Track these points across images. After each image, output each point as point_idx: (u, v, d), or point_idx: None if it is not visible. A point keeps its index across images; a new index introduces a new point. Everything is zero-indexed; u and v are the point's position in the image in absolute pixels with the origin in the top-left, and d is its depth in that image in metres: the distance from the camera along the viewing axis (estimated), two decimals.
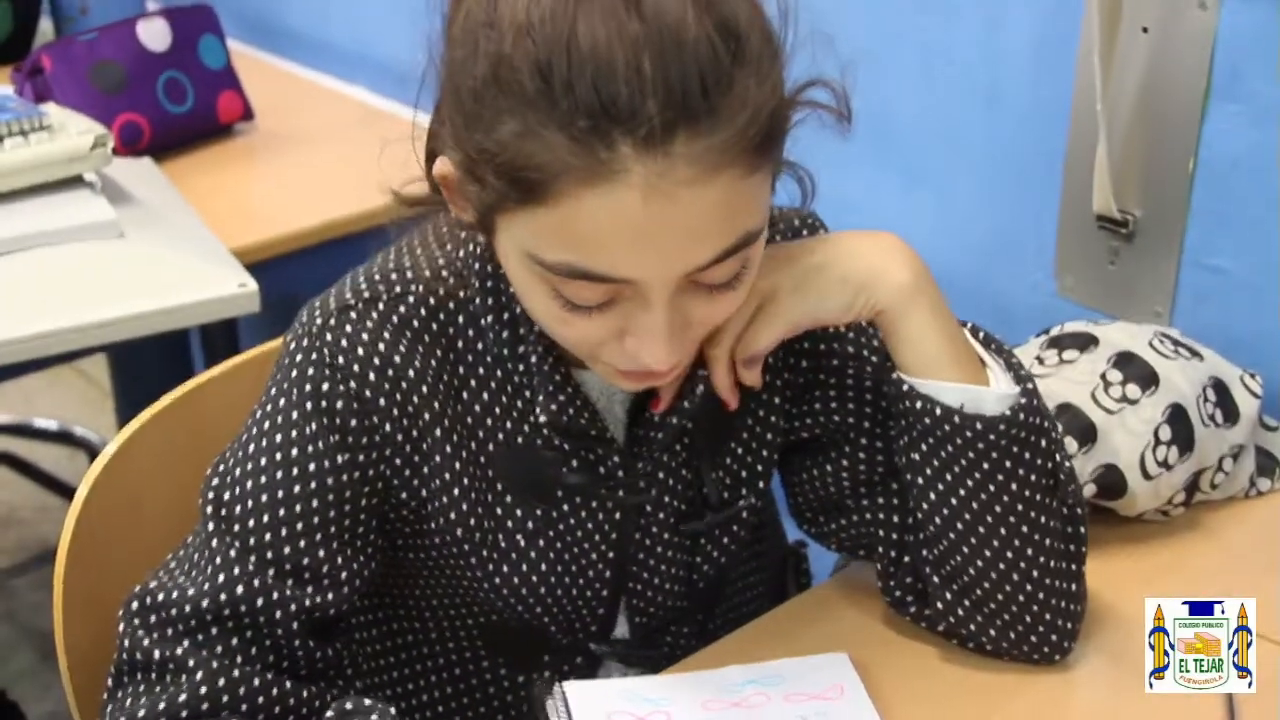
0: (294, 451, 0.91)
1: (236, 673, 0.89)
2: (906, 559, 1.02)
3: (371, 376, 0.91)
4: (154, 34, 1.89)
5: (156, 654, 0.89)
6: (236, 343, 1.71)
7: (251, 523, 0.91)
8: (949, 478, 0.94)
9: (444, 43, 0.84)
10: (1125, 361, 1.16)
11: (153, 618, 0.90)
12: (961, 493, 0.94)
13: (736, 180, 0.78)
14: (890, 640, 1.04)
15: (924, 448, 0.94)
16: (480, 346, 0.95)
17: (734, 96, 0.76)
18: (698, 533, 1.03)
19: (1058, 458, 0.96)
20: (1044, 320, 1.31)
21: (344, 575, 0.92)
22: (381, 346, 0.92)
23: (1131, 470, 1.13)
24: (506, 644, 1.04)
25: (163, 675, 0.89)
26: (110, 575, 1.04)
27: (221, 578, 0.90)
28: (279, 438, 0.92)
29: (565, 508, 0.98)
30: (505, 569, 0.98)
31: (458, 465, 0.94)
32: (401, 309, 0.93)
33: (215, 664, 0.89)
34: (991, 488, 0.94)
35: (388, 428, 0.92)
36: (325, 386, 0.91)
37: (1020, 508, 0.94)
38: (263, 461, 0.92)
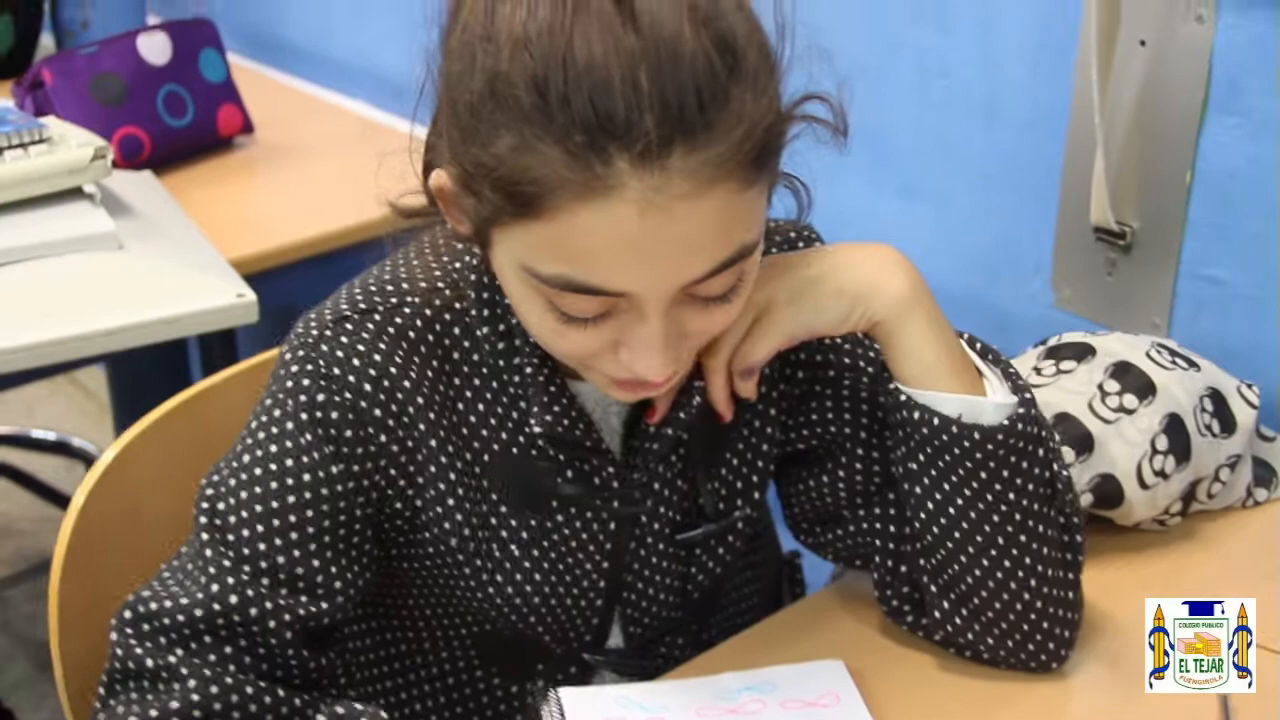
0: (289, 462, 0.91)
1: (229, 680, 0.89)
2: (903, 568, 1.02)
3: (367, 387, 0.91)
4: (154, 48, 1.90)
5: (149, 663, 0.89)
6: (235, 355, 1.71)
7: (246, 532, 0.91)
8: (947, 487, 0.94)
9: (440, 56, 0.84)
10: (1123, 371, 1.16)
11: (145, 626, 0.90)
12: (959, 502, 0.94)
13: (732, 194, 0.78)
14: (886, 648, 1.04)
15: (922, 457, 0.95)
16: (476, 357, 0.95)
17: (730, 111, 0.77)
18: (693, 543, 1.03)
19: (1055, 467, 0.96)
20: (1042, 332, 1.31)
21: (338, 585, 0.92)
22: (377, 358, 0.92)
23: (1128, 480, 1.13)
24: (500, 654, 1.04)
25: (155, 684, 0.89)
26: (107, 584, 1.03)
27: (215, 587, 0.90)
28: (274, 448, 0.91)
29: (560, 518, 0.98)
30: (499, 579, 0.97)
31: (453, 475, 0.94)
32: (397, 320, 0.93)
33: (208, 672, 0.89)
34: (989, 497, 0.94)
35: (383, 438, 0.92)
36: (321, 397, 0.91)
37: (1018, 517, 0.94)
38: (257, 472, 0.91)
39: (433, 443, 0.93)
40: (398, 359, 0.92)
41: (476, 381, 0.95)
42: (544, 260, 0.80)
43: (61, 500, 2.56)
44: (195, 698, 0.88)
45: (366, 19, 2.25)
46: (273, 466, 0.91)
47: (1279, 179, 1.23)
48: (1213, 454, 1.17)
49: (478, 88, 0.78)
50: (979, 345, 0.98)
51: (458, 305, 0.94)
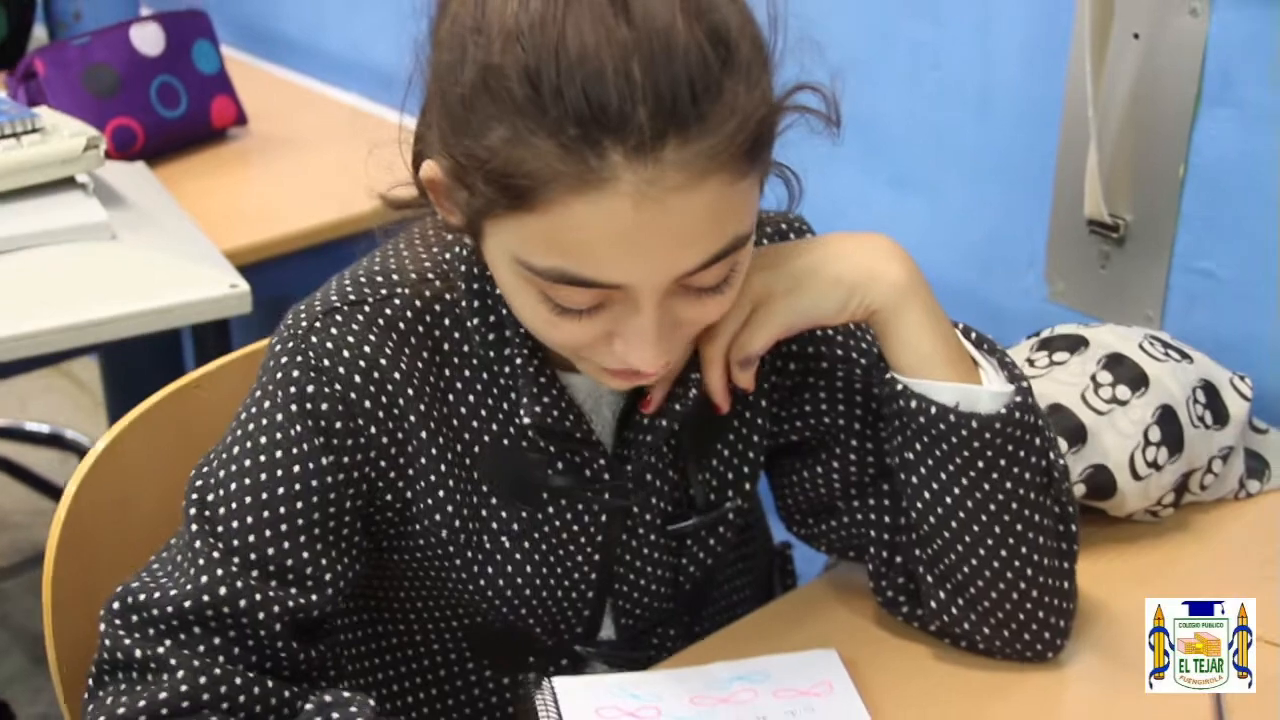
0: (278, 454, 0.91)
1: (218, 671, 0.89)
2: (898, 559, 1.02)
3: (357, 379, 0.91)
4: (147, 39, 1.90)
5: (138, 653, 0.89)
6: (229, 346, 1.70)
7: (235, 524, 0.90)
8: (943, 476, 0.94)
9: (430, 46, 0.84)
10: (1115, 363, 1.17)
11: (134, 617, 0.90)
12: (956, 491, 0.94)
13: (725, 186, 0.78)
14: (879, 638, 1.04)
15: (918, 447, 0.95)
16: (466, 348, 0.95)
17: (723, 104, 0.77)
18: (684, 534, 1.03)
19: (1051, 456, 0.97)
20: (1035, 325, 1.31)
21: (328, 577, 0.92)
22: (367, 349, 0.91)
23: (1121, 471, 1.13)
24: (491, 646, 1.04)
25: (144, 674, 0.89)
26: (100, 574, 1.03)
27: (204, 579, 0.90)
28: (264, 440, 0.91)
29: (550, 510, 0.97)
30: (490, 570, 0.97)
31: (443, 467, 0.94)
32: (387, 311, 0.93)
33: (197, 663, 0.88)
34: (986, 486, 0.94)
35: (373, 430, 0.92)
36: (311, 389, 0.91)
37: (1014, 506, 0.95)
38: (247, 463, 0.91)
39: (423, 434, 0.93)
40: (388, 350, 0.92)
41: (467, 373, 0.95)
42: (537, 253, 0.80)
43: (55, 493, 2.56)
44: (184, 688, 0.88)
45: (359, 11, 2.25)
46: (262, 458, 0.91)
47: (1272, 172, 1.23)
48: (1205, 445, 1.17)
49: (469, 79, 0.78)
50: (974, 335, 0.98)
51: (448, 296, 0.94)
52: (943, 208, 1.52)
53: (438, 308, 0.94)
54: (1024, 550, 0.96)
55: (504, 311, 0.93)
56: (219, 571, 0.90)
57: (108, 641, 0.90)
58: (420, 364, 0.93)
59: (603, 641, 1.05)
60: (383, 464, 0.93)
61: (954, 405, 0.93)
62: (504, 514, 0.96)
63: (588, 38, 0.75)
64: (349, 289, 0.94)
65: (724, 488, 1.03)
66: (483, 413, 0.95)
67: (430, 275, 0.94)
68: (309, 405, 0.91)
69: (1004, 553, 0.95)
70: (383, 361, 0.91)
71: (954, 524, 0.95)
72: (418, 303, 0.94)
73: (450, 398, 0.95)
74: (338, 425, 0.91)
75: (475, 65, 0.77)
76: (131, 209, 1.59)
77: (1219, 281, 1.30)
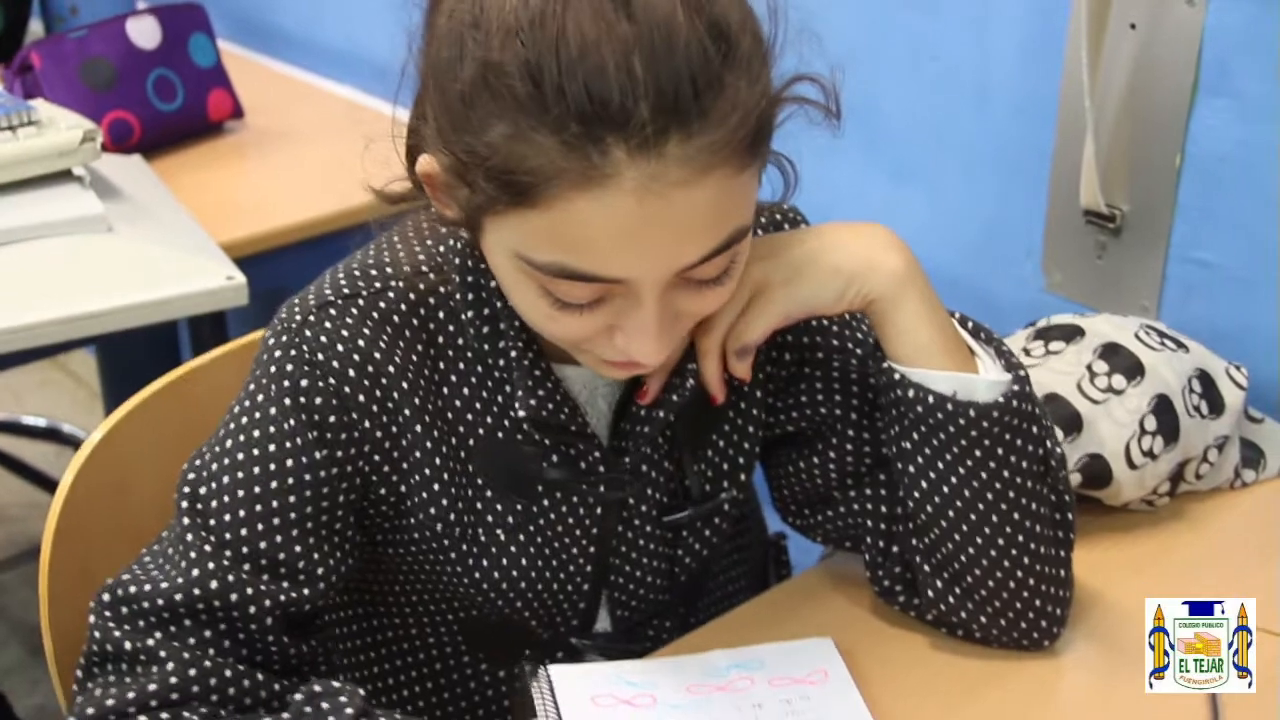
0: (271, 447, 0.90)
1: (208, 663, 0.88)
2: (895, 548, 1.02)
3: (351, 373, 0.91)
4: (144, 32, 1.90)
5: (127, 645, 0.88)
6: (225, 338, 1.70)
7: (227, 517, 0.90)
8: (941, 466, 0.94)
9: (424, 39, 0.84)
10: (1111, 352, 1.17)
11: (124, 609, 0.89)
12: (954, 480, 0.94)
13: (726, 179, 0.78)
14: (875, 627, 1.04)
15: (915, 436, 0.95)
16: (461, 341, 0.95)
17: (725, 99, 0.76)
18: (679, 525, 1.03)
19: (1049, 444, 0.97)
20: (1032, 315, 1.32)
21: (320, 571, 0.92)
22: (361, 343, 0.91)
23: (1116, 460, 1.13)
24: (487, 639, 1.04)
25: (134, 665, 0.89)
26: (96, 564, 1.03)
27: (196, 572, 0.89)
28: (257, 433, 0.91)
29: (546, 502, 0.97)
30: (485, 564, 0.97)
31: (438, 461, 0.94)
32: (381, 304, 0.93)
33: (187, 654, 0.88)
34: (984, 475, 0.94)
35: (367, 424, 0.91)
36: (304, 383, 0.90)
37: (1012, 495, 0.95)
38: (240, 457, 0.91)
39: (418, 428, 0.93)
40: (382, 343, 0.92)
41: (461, 365, 0.95)
42: (539, 248, 0.80)
43: (51, 486, 2.55)
44: (173, 680, 0.87)
45: (355, 4, 2.25)
46: (255, 452, 0.91)
47: (1269, 162, 1.23)
48: (1201, 435, 1.17)
49: (469, 76, 0.77)
50: (971, 324, 0.98)
51: (442, 289, 0.94)
52: (940, 198, 1.52)
53: (432, 301, 0.94)
54: (1021, 539, 0.96)
55: (499, 304, 0.93)
56: (210, 565, 0.89)
57: (97, 633, 0.90)
58: (415, 357, 0.93)
59: (598, 634, 1.05)
60: (377, 458, 0.93)
61: (951, 394, 0.93)
62: (499, 507, 0.96)
63: (588, 33, 0.74)
64: (343, 282, 0.94)
65: (719, 479, 1.03)
66: (477, 406, 0.95)
67: (425, 268, 0.94)
68: (303, 399, 0.90)
69: (1001, 541, 0.95)
70: (377, 355, 0.91)
71: (951, 513, 0.95)
72: (412, 296, 0.94)
73: (445, 391, 0.94)
74: (331, 419, 0.91)
75: (474, 62, 0.77)
76: (128, 202, 1.59)
77: (1215, 271, 1.30)
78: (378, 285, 0.93)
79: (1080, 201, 1.36)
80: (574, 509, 0.98)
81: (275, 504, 0.90)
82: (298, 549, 0.91)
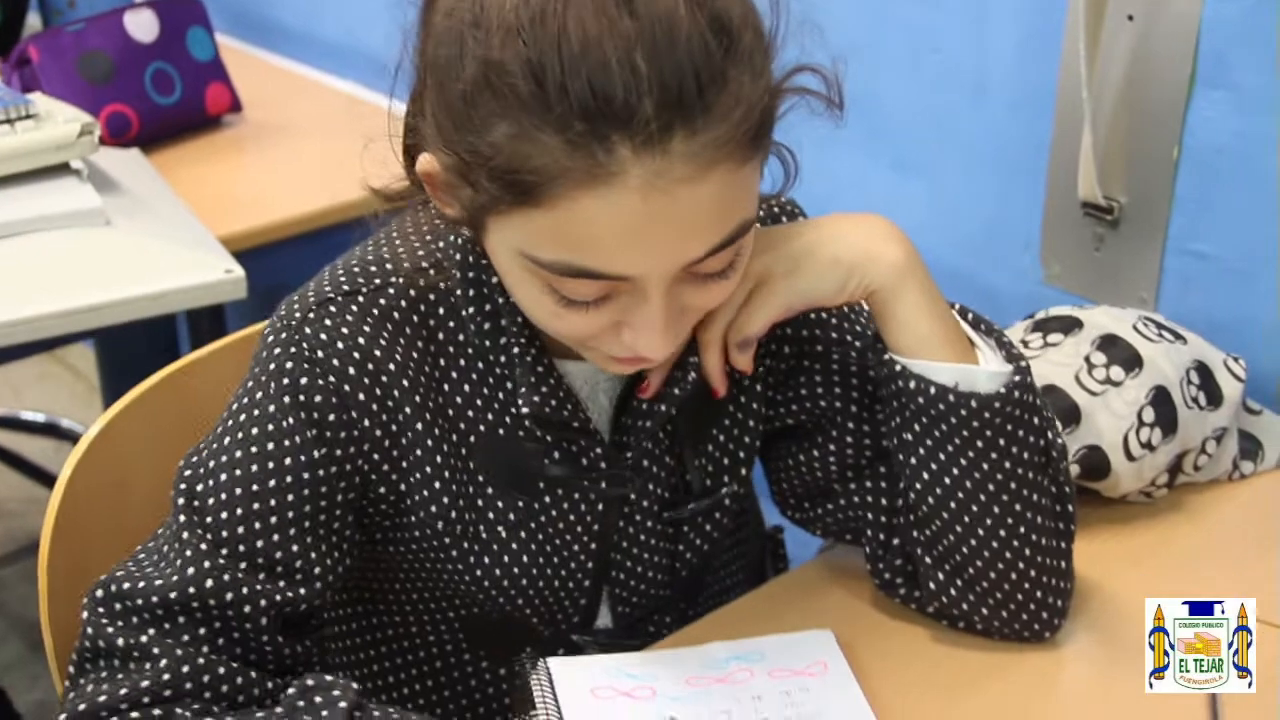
0: (270, 445, 0.90)
1: (202, 660, 0.87)
2: (896, 541, 1.02)
3: (351, 371, 0.90)
4: (141, 25, 1.90)
5: (120, 642, 0.88)
6: (224, 332, 1.69)
7: (224, 515, 0.89)
8: (942, 457, 0.94)
9: (421, 36, 0.83)
10: (1109, 344, 1.17)
11: (117, 606, 0.89)
12: (955, 472, 0.94)
13: (730, 173, 0.78)
14: (874, 618, 1.04)
15: (917, 428, 0.95)
16: (461, 338, 0.94)
17: (729, 94, 0.76)
18: (680, 520, 1.02)
19: (1050, 435, 0.97)
20: (1031, 307, 1.32)
21: (317, 570, 0.91)
22: (361, 340, 0.91)
23: (1115, 451, 1.13)
24: (487, 636, 1.04)
25: (126, 662, 0.88)
26: (95, 558, 1.03)
27: (191, 570, 0.89)
28: (255, 431, 0.90)
29: (547, 499, 0.97)
30: (487, 561, 0.97)
31: (439, 458, 0.93)
32: (382, 301, 0.92)
33: (180, 652, 0.87)
34: (985, 466, 0.94)
35: (366, 423, 0.91)
36: (304, 381, 0.90)
37: (1013, 486, 0.95)
38: (238, 454, 0.90)
39: (418, 426, 0.92)
40: (382, 341, 0.91)
41: (462, 362, 0.94)
42: (544, 247, 0.80)
43: (50, 481, 2.53)
44: (166, 677, 0.87)
45: None
46: (254, 450, 0.90)
47: (1266, 153, 1.23)
48: (1199, 426, 1.17)
49: (470, 75, 0.77)
50: (971, 315, 0.98)
51: (442, 285, 0.94)
52: (939, 190, 1.52)
53: (432, 297, 0.94)
54: (1023, 530, 0.96)
55: (500, 300, 0.92)
56: (206, 563, 0.89)
57: (90, 630, 0.89)
58: (415, 354, 0.93)
59: (599, 630, 1.04)
60: (376, 456, 0.92)
61: (953, 385, 0.93)
62: (500, 504, 0.96)
63: (590, 29, 0.74)
64: (342, 279, 0.93)
65: (720, 473, 1.03)
66: (478, 402, 0.95)
67: (424, 264, 0.93)
68: (302, 397, 0.90)
69: (1003, 532, 0.95)
70: (377, 352, 0.91)
71: (953, 504, 0.95)
72: (412, 292, 0.93)
73: (445, 387, 0.94)
74: (331, 418, 0.90)
75: (475, 61, 0.77)
76: (126, 195, 1.59)
77: (1213, 263, 1.30)
78: (377, 282, 0.93)
79: (1078, 194, 1.36)
80: (575, 505, 0.98)
81: (273, 502, 0.90)
82: (295, 548, 0.90)
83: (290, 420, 0.90)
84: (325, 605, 0.94)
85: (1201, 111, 1.26)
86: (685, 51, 0.75)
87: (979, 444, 0.93)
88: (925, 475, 0.96)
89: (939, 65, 1.47)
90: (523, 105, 0.75)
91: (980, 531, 0.96)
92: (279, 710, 0.87)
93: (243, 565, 0.89)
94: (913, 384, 0.93)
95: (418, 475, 0.93)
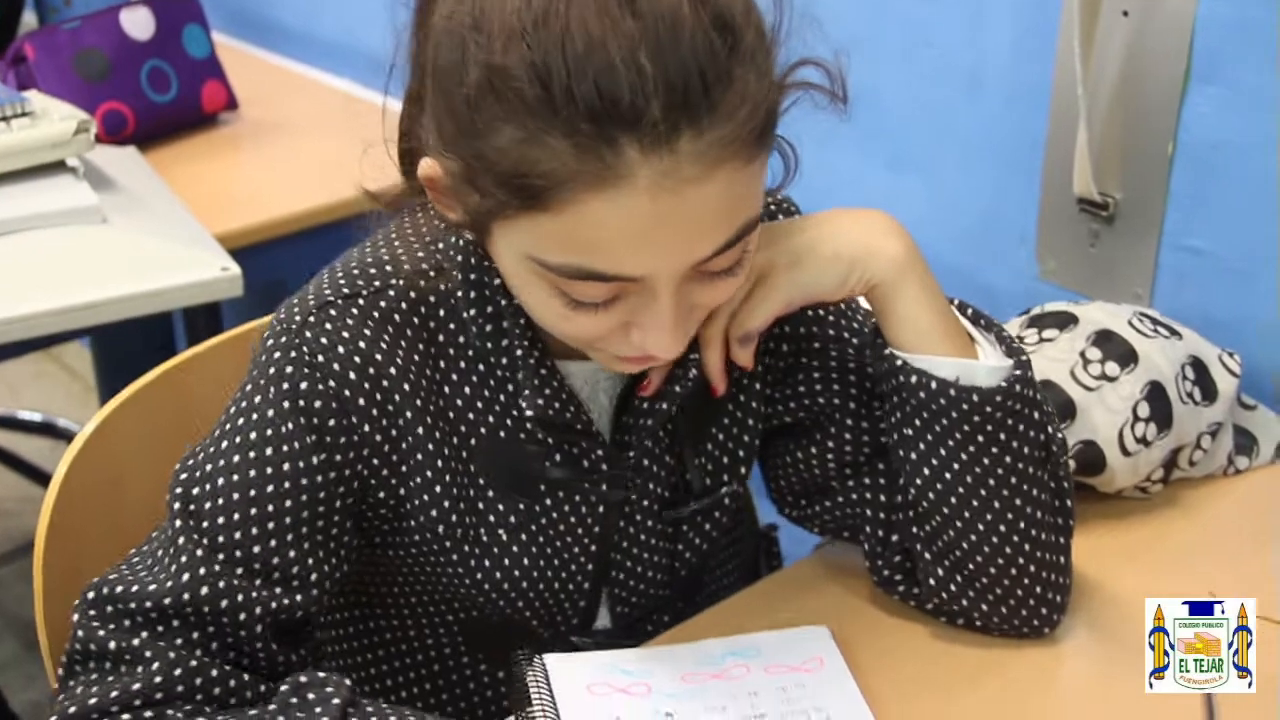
0: (269, 450, 0.89)
1: (194, 663, 0.87)
2: (894, 537, 1.02)
3: (352, 376, 0.89)
4: (137, 23, 1.90)
5: (112, 645, 0.87)
6: (220, 330, 1.70)
7: (221, 520, 0.89)
8: (943, 452, 0.94)
9: (417, 38, 0.83)
10: (1104, 339, 1.17)
11: (109, 609, 0.88)
12: (956, 466, 0.94)
13: (736, 171, 0.78)
14: (870, 615, 1.04)
15: (917, 423, 0.95)
16: (462, 340, 0.94)
17: (734, 92, 0.76)
18: (680, 520, 1.02)
19: (1050, 429, 0.97)
20: (1026, 303, 1.32)
21: (314, 577, 0.90)
22: (362, 344, 0.90)
23: (1110, 446, 1.13)
24: (486, 639, 1.03)
25: (118, 665, 0.87)
26: (90, 556, 1.02)
27: (186, 576, 0.88)
28: (254, 435, 0.89)
29: (548, 502, 0.97)
30: (487, 564, 0.96)
31: (439, 462, 0.93)
32: (382, 304, 0.92)
33: (173, 654, 0.86)
34: (986, 461, 0.94)
35: (367, 428, 0.90)
36: (304, 386, 0.89)
37: (1014, 480, 0.95)
38: (236, 459, 0.89)
39: (420, 430, 0.92)
40: (383, 344, 0.90)
41: (463, 364, 0.94)
42: (552, 250, 0.79)
43: (46, 480, 2.54)
44: (158, 679, 0.86)
45: None
46: (252, 455, 0.89)
47: (1261, 149, 1.23)
48: (1194, 422, 1.17)
49: (473, 80, 0.76)
50: (970, 311, 0.99)
51: (443, 287, 0.93)
52: (934, 186, 1.52)
53: (432, 299, 0.93)
54: (1023, 525, 0.96)
55: (502, 302, 0.92)
56: (201, 570, 0.88)
57: (81, 632, 0.88)
58: (416, 356, 0.92)
59: (598, 631, 1.04)
60: (375, 462, 0.91)
61: (954, 380, 0.93)
62: (501, 506, 0.96)
63: (593, 30, 0.73)
64: (342, 282, 0.92)
65: (720, 472, 1.03)
66: (479, 405, 0.94)
67: (424, 266, 0.93)
68: (302, 402, 0.89)
69: (1003, 527, 0.95)
70: (378, 356, 0.90)
71: (953, 499, 0.95)
72: (412, 294, 0.92)
73: (446, 390, 0.93)
74: (331, 423, 0.89)
75: (478, 66, 0.76)
76: (122, 192, 1.59)
77: (1208, 259, 1.30)
78: (377, 284, 0.92)
79: (1073, 189, 1.36)
80: (576, 508, 0.98)
81: (271, 508, 0.89)
82: (292, 554, 0.89)
83: (290, 425, 0.89)
84: (321, 612, 0.93)
85: (1196, 107, 1.27)
86: (690, 50, 0.74)
87: (980, 439, 0.93)
88: (926, 470, 0.96)
89: (934, 60, 1.47)
90: (528, 109, 0.75)
91: (981, 526, 0.96)
92: (272, 707, 0.87)
93: (239, 571, 0.88)
94: (914, 379, 0.93)
95: (418, 479, 0.93)
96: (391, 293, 0.92)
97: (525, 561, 0.97)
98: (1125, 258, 1.35)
